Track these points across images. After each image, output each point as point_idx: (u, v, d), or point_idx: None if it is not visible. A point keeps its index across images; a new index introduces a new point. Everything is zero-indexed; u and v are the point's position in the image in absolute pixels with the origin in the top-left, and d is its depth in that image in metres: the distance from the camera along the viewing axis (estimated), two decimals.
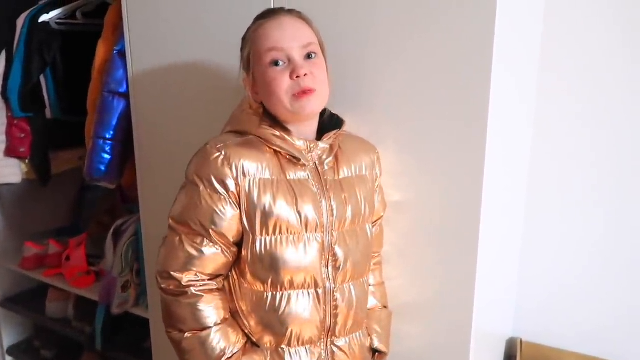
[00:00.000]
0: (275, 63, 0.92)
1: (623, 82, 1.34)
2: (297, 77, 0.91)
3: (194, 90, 1.34)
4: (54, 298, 1.98)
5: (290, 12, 0.96)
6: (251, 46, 0.95)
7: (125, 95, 1.48)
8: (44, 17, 1.68)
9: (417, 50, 1.05)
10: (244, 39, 0.99)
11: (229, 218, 0.94)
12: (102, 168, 1.53)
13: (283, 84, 0.91)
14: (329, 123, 1.01)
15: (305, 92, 0.91)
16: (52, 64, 1.76)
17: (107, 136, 1.51)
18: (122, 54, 1.46)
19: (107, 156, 1.52)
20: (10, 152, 1.80)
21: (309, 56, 0.93)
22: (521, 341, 1.50)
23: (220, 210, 0.93)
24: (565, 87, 1.40)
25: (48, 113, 1.83)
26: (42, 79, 1.78)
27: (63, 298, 1.96)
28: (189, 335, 0.95)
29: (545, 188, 1.46)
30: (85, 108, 1.60)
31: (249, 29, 0.97)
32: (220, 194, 0.93)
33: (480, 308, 1.11)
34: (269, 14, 0.96)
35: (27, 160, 1.85)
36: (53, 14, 1.68)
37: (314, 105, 0.94)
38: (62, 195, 2.15)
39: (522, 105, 1.33)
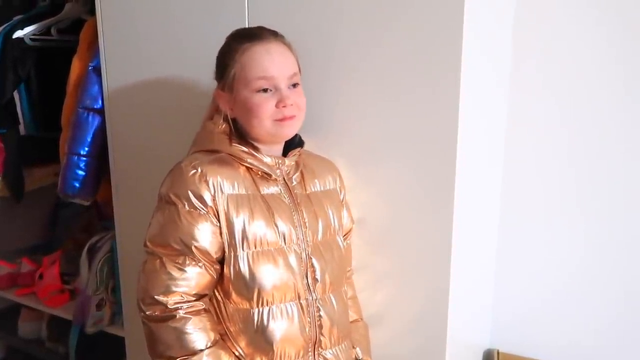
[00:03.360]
0: (264, 90, 0.96)
1: (600, 84, 1.35)
2: (284, 106, 0.96)
3: (169, 106, 1.34)
4: (27, 318, 1.93)
5: (276, 36, 1.00)
6: (238, 68, 0.97)
7: (100, 112, 1.48)
8: (18, 33, 1.67)
9: (379, 63, 1.07)
10: (226, 56, 1.00)
11: (210, 233, 0.94)
12: (77, 184, 1.51)
13: (268, 110, 0.96)
14: (291, 142, 1.05)
15: (286, 119, 0.97)
16: (26, 80, 1.74)
17: (82, 152, 1.50)
18: (97, 70, 1.46)
19: (81, 172, 1.51)
20: None
21: (293, 85, 0.98)
22: (498, 352, 1.51)
23: (201, 226, 0.93)
24: (539, 91, 1.41)
25: (22, 129, 1.81)
26: (15, 94, 1.76)
27: (36, 318, 1.92)
28: None
29: (520, 201, 1.48)
30: (60, 124, 1.59)
31: (233, 48, 0.99)
32: (200, 210, 0.93)
33: (455, 319, 1.12)
34: (255, 37, 0.98)
35: (0, 177, 1.82)
36: (27, 30, 1.67)
37: (294, 130, 1.01)
38: (36, 213, 2.10)
39: (492, 116, 1.36)
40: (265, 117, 0.96)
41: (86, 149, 1.50)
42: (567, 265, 1.45)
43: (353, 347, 1.11)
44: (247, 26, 1.17)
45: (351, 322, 1.13)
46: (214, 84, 1.05)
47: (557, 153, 1.42)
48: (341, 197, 1.12)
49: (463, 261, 1.15)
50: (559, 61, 1.39)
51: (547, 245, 1.47)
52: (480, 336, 1.50)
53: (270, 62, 0.96)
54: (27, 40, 1.68)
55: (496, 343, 1.54)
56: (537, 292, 1.50)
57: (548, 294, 1.49)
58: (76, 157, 1.50)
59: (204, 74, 1.08)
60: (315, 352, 1.01)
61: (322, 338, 1.01)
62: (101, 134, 1.49)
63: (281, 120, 0.97)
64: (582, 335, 1.46)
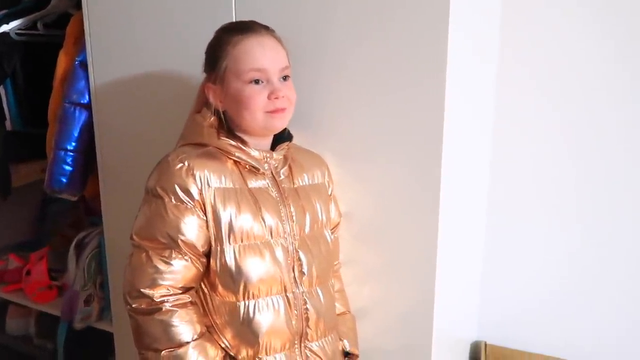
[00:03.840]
0: (256, 81, 0.96)
1: (588, 82, 1.37)
2: (276, 98, 0.96)
3: (156, 100, 1.34)
4: (15, 314, 1.92)
5: (267, 29, 1.00)
6: (229, 60, 0.97)
7: (87, 106, 1.47)
8: (3, 28, 1.65)
9: (366, 59, 1.08)
10: (216, 49, 1.00)
11: (196, 227, 0.94)
12: (64, 180, 1.50)
13: (260, 102, 0.96)
14: (280, 136, 1.05)
15: (278, 110, 0.97)
16: (12, 75, 1.73)
17: (69, 147, 1.49)
18: (83, 65, 1.45)
19: (68, 168, 1.50)
20: None
21: (284, 78, 0.99)
22: (485, 344, 1.53)
23: (188, 220, 0.94)
24: (526, 89, 1.43)
25: (8, 125, 1.79)
26: (1, 90, 1.74)
27: (24, 314, 1.91)
28: (166, 353, 0.93)
29: (507, 197, 1.49)
30: (46, 119, 1.58)
31: (225, 40, 0.99)
32: (186, 204, 0.94)
33: (442, 313, 1.13)
34: (247, 29, 0.98)
35: None
36: (13, 24, 1.65)
37: (284, 122, 1.02)
38: (23, 209, 2.09)
39: (479, 115, 1.37)
40: (257, 108, 0.96)
41: (73, 144, 1.49)
42: (553, 261, 1.47)
43: (340, 340, 1.12)
44: (235, 20, 1.17)
45: (338, 314, 1.13)
46: (201, 77, 1.05)
47: (544, 151, 1.44)
48: (329, 191, 1.13)
49: (450, 257, 1.16)
50: (546, 59, 1.40)
51: (533, 241, 1.49)
52: (467, 330, 1.52)
53: (262, 55, 0.97)
54: (12, 35, 1.67)
55: (484, 337, 1.56)
56: (524, 287, 1.52)
57: (534, 289, 1.51)
58: (63, 152, 1.49)
59: (192, 67, 1.08)
60: (302, 345, 1.02)
61: (308, 330, 1.02)
62: (88, 129, 1.48)
63: (273, 112, 0.97)
64: (567, 328, 1.48)
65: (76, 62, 1.47)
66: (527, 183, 1.47)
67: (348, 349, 1.13)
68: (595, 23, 1.34)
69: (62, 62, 1.52)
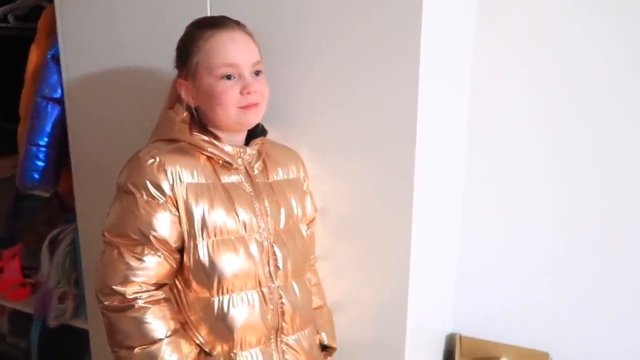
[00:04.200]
0: (228, 77, 0.96)
1: (564, 80, 1.39)
2: (248, 93, 0.96)
3: (130, 95, 1.32)
4: None
5: (239, 24, 1.00)
6: (201, 56, 0.97)
7: (60, 101, 1.45)
8: None
9: (340, 55, 1.08)
10: (188, 44, 0.99)
11: (169, 223, 0.94)
12: (36, 176, 1.48)
13: (233, 97, 0.96)
14: (254, 131, 1.05)
15: (251, 106, 0.97)
16: None
17: (41, 143, 1.47)
18: (56, 59, 1.43)
19: (41, 163, 1.47)
20: None
21: (256, 73, 0.99)
22: (460, 336, 1.56)
23: (160, 216, 0.93)
24: (499, 86, 1.45)
25: None
26: None
27: None
28: (139, 351, 0.92)
29: (482, 192, 1.52)
30: (18, 114, 1.55)
31: (196, 35, 0.98)
32: (158, 200, 0.93)
33: (416, 306, 1.15)
34: (219, 24, 0.98)
35: None
36: None
37: (257, 118, 1.01)
38: None
39: (454, 110, 1.39)
40: (230, 104, 0.96)
41: (45, 139, 1.47)
42: (527, 254, 1.51)
43: (318, 333, 1.12)
44: (209, 15, 1.16)
45: (315, 308, 1.14)
46: (174, 72, 1.04)
47: (519, 146, 1.46)
48: (305, 186, 1.13)
49: (424, 251, 1.18)
50: (521, 57, 1.42)
51: (508, 234, 1.52)
52: (442, 323, 1.54)
53: (234, 49, 0.96)
54: None
55: (459, 329, 1.59)
56: (499, 280, 1.55)
57: (509, 282, 1.54)
58: (35, 148, 1.47)
59: (165, 62, 1.07)
60: (277, 339, 1.02)
61: (284, 325, 1.02)
62: (61, 124, 1.45)
63: (245, 107, 0.97)
64: (540, 320, 1.52)
65: (48, 56, 1.44)
66: (503, 177, 1.50)
67: (326, 342, 1.13)
68: (574, 16, 1.36)
69: (33, 56, 1.50)
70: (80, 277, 1.55)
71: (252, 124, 1.02)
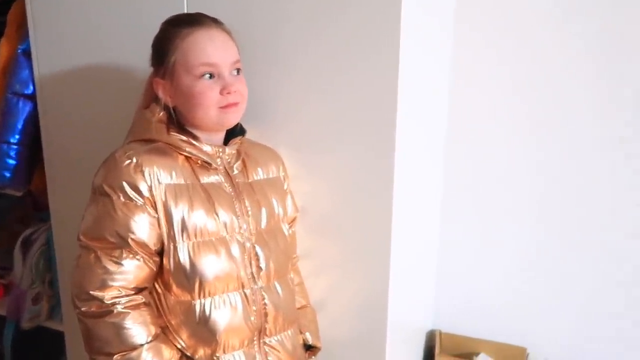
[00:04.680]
0: (207, 76, 0.94)
1: (543, 77, 1.40)
2: (228, 93, 0.94)
3: (104, 91, 1.29)
4: None
5: (216, 22, 0.98)
6: (178, 54, 0.94)
7: (31, 97, 1.41)
8: None
9: (318, 52, 1.07)
10: (164, 42, 0.97)
11: (147, 225, 0.92)
12: (7, 174, 1.44)
13: (213, 98, 0.94)
14: (232, 130, 1.04)
15: (230, 105, 0.96)
16: None
17: (12, 140, 1.43)
18: (27, 54, 1.39)
19: (12, 161, 1.44)
20: None
21: (236, 72, 0.98)
22: (440, 332, 1.57)
23: (138, 218, 0.91)
24: (478, 85, 1.46)
25: None
26: None
27: None
28: (118, 357, 0.89)
29: (461, 190, 1.53)
30: None
31: (173, 33, 0.96)
32: (136, 201, 0.91)
33: (396, 303, 1.15)
34: (195, 22, 0.96)
35: None
36: None
37: (237, 117, 1.00)
38: None
39: (433, 106, 1.39)
40: (210, 104, 0.94)
41: (17, 136, 1.43)
42: (506, 251, 1.53)
43: (301, 333, 1.11)
44: (185, 12, 1.13)
45: (299, 308, 1.13)
46: (150, 70, 1.02)
47: (497, 144, 1.48)
48: (285, 186, 1.12)
49: (404, 248, 1.18)
50: (499, 53, 1.43)
51: (487, 231, 1.54)
52: (423, 320, 1.55)
53: (213, 49, 0.94)
54: None
55: (439, 325, 1.61)
56: (479, 277, 1.57)
57: (488, 278, 1.56)
58: (6, 146, 1.43)
59: (141, 59, 1.04)
60: (260, 341, 1.01)
61: (267, 326, 1.01)
62: (33, 121, 1.42)
63: (225, 107, 0.95)
64: (519, 315, 1.55)
65: (19, 51, 1.41)
66: (481, 175, 1.51)
67: (310, 342, 1.13)
68: (553, 15, 1.37)
69: (3, 51, 1.45)
70: (55, 277, 1.52)
71: (232, 123, 1.00)
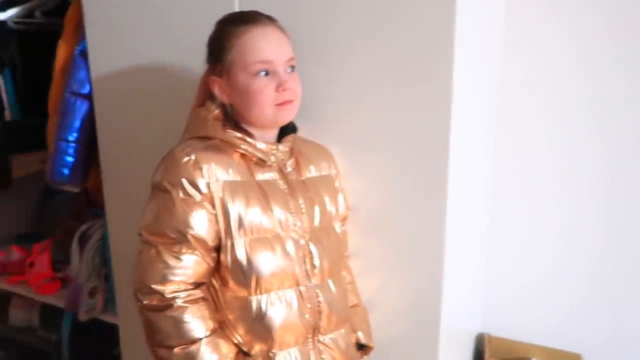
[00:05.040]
0: (263, 73, 0.95)
1: (591, 83, 1.37)
2: (284, 90, 0.95)
3: (158, 90, 1.32)
4: (18, 306, 1.92)
5: (271, 19, 0.98)
6: (235, 52, 0.95)
7: (88, 97, 1.44)
8: (0, 16, 1.62)
9: (371, 51, 1.06)
10: (220, 40, 0.98)
11: (206, 221, 0.93)
12: (66, 171, 1.49)
13: (269, 95, 0.95)
14: (285, 128, 1.04)
15: (286, 103, 0.96)
16: (11, 65, 1.70)
17: (70, 138, 1.47)
18: (84, 54, 1.42)
19: (70, 159, 1.48)
20: None
21: (290, 69, 0.98)
22: (489, 336, 1.53)
23: (197, 214, 0.92)
24: (528, 88, 1.43)
25: (7, 115, 1.76)
26: (0, 80, 1.72)
27: (27, 306, 1.90)
28: (178, 350, 0.91)
29: (510, 189, 1.49)
30: (46, 109, 1.55)
31: (229, 31, 0.97)
32: (194, 198, 0.92)
33: (448, 304, 1.13)
34: (250, 20, 0.96)
35: None
36: (10, 12, 1.63)
37: (292, 114, 1.01)
38: (24, 200, 2.08)
39: (485, 108, 1.36)
40: (267, 102, 0.95)
41: (74, 135, 1.47)
42: (552, 252, 1.48)
43: (354, 332, 1.11)
44: (237, 10, 1.14)
45: (351, 306, 1.12)
46: (203, 68, 1.03)
47: (546, 147, 1.45)
48: (336, 183, 1.12)
49: (456, 248, 1.16)
50: (548, 58, 1.39)
51: (532, 233, 1.49)
52: (472, 322, 1.52)
53: (268, 46, 0.95)
54: (10, 24, 1.64)
55: (486, 327, 1.57)
56: (526, 280, 1.53)
57: (536, 282, 1.52)
58: (65, 144, 1.47)
59: (194, 58, 1.05)
60: (315, 339, 1.01)
61: (321, 324, 1.01)
62: (89, 120, 1.45)
63: (281, 104, 0.96)
64: (565, 317, 1.50)
65: (76, 51, 1.44)
66: (531, 178, 1.48)
67: (363, 341, 1.12)
68: (597, 25, 1.33)
69: (61, 52, 1.50)
70: (110, 272, 1.56)
71: (286, 120, 1.01)
